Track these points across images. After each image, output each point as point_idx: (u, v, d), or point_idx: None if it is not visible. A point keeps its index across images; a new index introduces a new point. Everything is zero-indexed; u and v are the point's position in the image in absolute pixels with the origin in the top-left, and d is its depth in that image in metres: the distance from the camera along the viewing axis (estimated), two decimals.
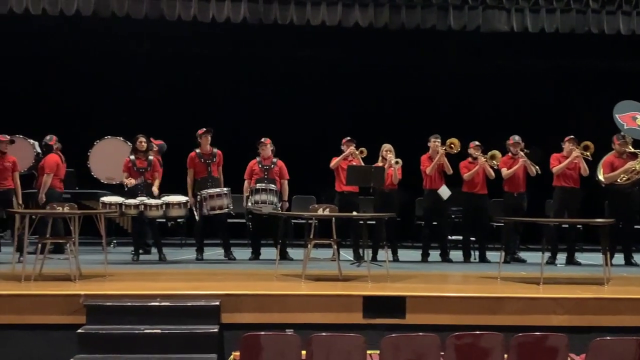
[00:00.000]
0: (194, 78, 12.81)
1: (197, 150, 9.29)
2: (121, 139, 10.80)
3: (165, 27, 11.41)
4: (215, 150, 9.34)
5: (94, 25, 11.30)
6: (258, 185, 9.02)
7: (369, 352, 4.84)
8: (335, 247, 7.78)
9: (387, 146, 9.54)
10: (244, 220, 10.37)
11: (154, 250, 9.54)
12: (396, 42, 12.32)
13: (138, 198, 8.63)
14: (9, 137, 9.03)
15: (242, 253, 9.90)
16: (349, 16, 10.84)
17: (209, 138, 9.28)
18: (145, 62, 12.68)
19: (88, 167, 10.77)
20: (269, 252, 9.58)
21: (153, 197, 8.83)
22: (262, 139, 9.47)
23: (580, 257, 9.76)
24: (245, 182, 9.41)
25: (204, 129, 9.30)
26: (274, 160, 9.45)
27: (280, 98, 12.75)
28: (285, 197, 9.49)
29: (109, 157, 10.58)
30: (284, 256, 9.25)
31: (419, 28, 11.15)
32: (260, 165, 9.38)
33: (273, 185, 9.08)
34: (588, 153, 9.22)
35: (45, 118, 11.63)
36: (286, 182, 9.51)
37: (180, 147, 9.60)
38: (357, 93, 12.76)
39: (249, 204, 9.00)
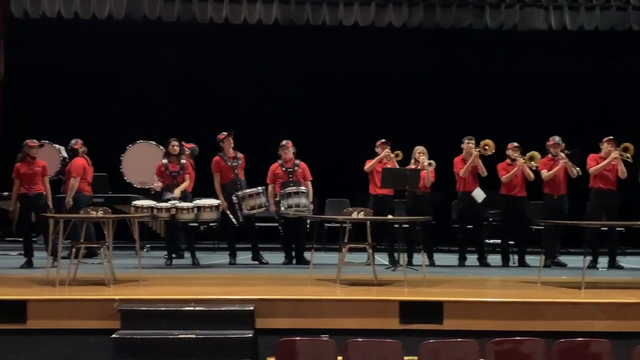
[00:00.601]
0: (224, 81, 12.79)
1: (221, 154, 9.26)
2: (154, 143, 10.82)
3: (196, 30, 11.45)
4: (238, 153, 9.30)
5: (126, 28, 11.37)
6: (288, 190, 8.95)
7: (406, 358, 4.75)
8: (371, 251, 7.67)
9: (419, 148, 9.41)
10: (273, 224, 10.32)
11: (187, 254, 9.53)
12: (431, 42, 12.20)
13: (170, 201, 8.62)
14: (38, 142, 9.08)
15: (274, 257, 9.84)
16: (382, 16, 10.73)
17: (231, 141, 9.25)
18: (176, 65, 12.71)
19: (121, 171, 10.79)
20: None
21: (185, 200, 8.80)
22: (284, 142, 9.41)
23: (622, 260, 9.53)
24: (270, 187, 9.35)
25: (225, 133, 9.26)
26: (296, 162, 9.39)
27: (314, 100, 12.69)
28: (311, 199, 9.41)
29: (141, 161, 10.60)
30: (303, 260, 9.15)
31: (454, 27, 11.02)
32: (283, 169, 9.32)
33: (303, 188, 9.02)
34: (628, 155, 8.99)
35: (78, 122, 11.70)
36: (310, 183, 9.44)
37: (211, 151, 9.57)
38: (389, 94, 12.66)
39: (282, 208, 8.94)
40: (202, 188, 9.52)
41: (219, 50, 12.62)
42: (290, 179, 9.23)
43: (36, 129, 10.33)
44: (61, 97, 12.48)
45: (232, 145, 9.27)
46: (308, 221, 9.23)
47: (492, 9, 10.70)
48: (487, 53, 12.58)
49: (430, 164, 9.23)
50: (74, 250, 7.17)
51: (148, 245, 11.02)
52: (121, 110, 12.51)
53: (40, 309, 5.89)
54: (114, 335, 5.66)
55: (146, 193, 10.21)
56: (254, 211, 8.94)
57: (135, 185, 10.83)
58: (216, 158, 9.27)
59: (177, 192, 8.94)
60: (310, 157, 9.67)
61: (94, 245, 8.37)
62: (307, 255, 9.13)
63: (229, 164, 9.21)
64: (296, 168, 9.34)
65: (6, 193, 10.60)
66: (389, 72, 12.81)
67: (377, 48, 12.51)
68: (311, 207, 9.35)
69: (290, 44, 12.44)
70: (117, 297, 5.94)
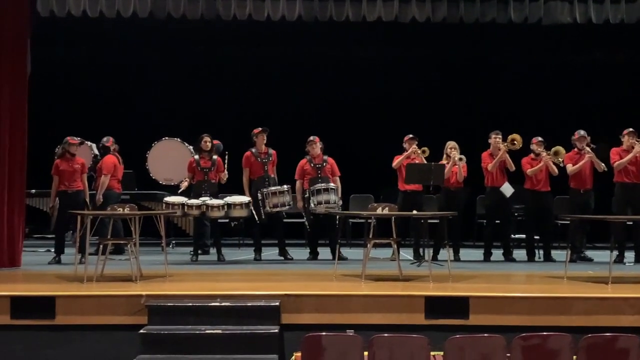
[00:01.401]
0: (249, 78, 12.82)
1: (253, 150, 9.28)
2: (179, 139, 10.88)
3: (219, 27, 11.46)
4: (270, 150, 9.31)
5: (150, 27, 11.42)
6: (318, 186, 8.96)
7: (432, 353, 4.74)
8: (395, 246, 7.67)
9: (451, 143, 9.38)
10: (299, 220, 10.34)
11: (212, 250, 9.58)
12: (455, 36, 12.12)
13: (201, 198, 8.66)
14: (78, 139, 9.17)
15: (299, 253, 9.87)
16: (406, 11, 10.67)
17: (265, 137, 9.26)
18: (201, 62, 12.76)
19: (147, 168, 10.88)
20: (325, 252, 9.51)
21: (217, 197, 8.84)
22: (311, 137, 9.41)
23: None
24: (297, 183, 9.37)
25: (260, 128, 9.29)
26: (325, 158, 9.39)
27: (338, 96, 12.67)
28: (340, 194, 9.40)
29: (167, 158, 10.66)
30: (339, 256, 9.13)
31: (478, 22, 10.93)
32: (311, 165, 9.32)
33: (332, 184, 9.03)
34: None
35: (104, 119, 11.83)
36: (338, 179, 9.44)
37: (236, 147, 9.60)
38: (415, 90, 12.60)
39: (312, 205, 8.95)
40: (228, 185, 9.57)
41: (242, 48, 12.63)
42: (319, 175, 9.23)
43: (62, 126, 10.45)
44: (87, 95, 12.57)
45: (265, 141, 9.28)
46: (337, 217, 9.23)
47: (516, 3, 10.56)
48: (511, 47, 12.46)
49: (461, 159, 9.21)
50: (101, 246, 7.24)
51: (174, 242, 11.09)
52: (147, 107, 12.58)
53: (68, 304, 5.98)
54: (141, 331, 5.73)
55: (172, 190, 10.29)
56: (277, 209, 8.94)
57: (160, 182, 10.90)
58: (247, 153, 9.30)
59: (223, 177, 9.07)
60: (335, 152, 9.67)
61: (121, 242, 8.45)
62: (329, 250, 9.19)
63: (259, 159, 9.23)
64: (325, 164, 9.34)
65: (33, 190, 10.76)
66: (415, 68, 12.75)
67: (402, 43, 12.45)
68: (340, 203, 9.36)
69: (314, 41, 12.41)
70: (144, 293, 6.01)
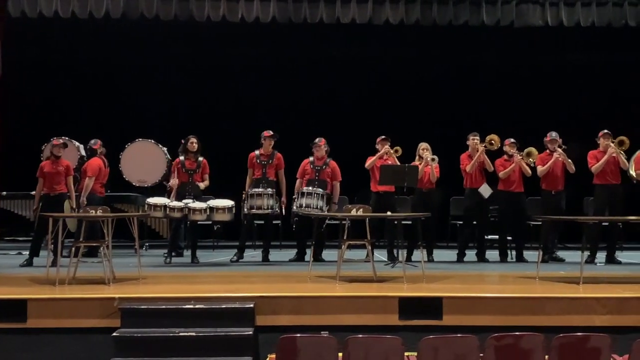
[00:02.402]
0: (227, 80, 12.78)
1: (257, 152, 9.26)
2: (152, 141, 10.82)
3: (195, 29, 11.45)
4: (275, 152, 9.29)
5: (123, 27, 11.37)
6: (305, 189, 8.96)
7: (406, 353, 4.76)
8: (370, 247, 7.69)
9: (423, 144, 9.42)
10: (275, 222, 10.33)
11: (186, 252, 9.54)
12: (428, 38, 12.21)
13: (184, 200, 8.61)
14: (62, 140, 9.07)
15: (277, 255, 9.85)
16: (379, 13, 10.74)
17: (272, 142, 9.23)
18: (175, 64, 12.70)
19: (120, 170, 10.80)
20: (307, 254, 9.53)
21: (200, 199, 8.79)
22: (317, 140, 9.39)
23: (620, 255, 9.56)
24: (297, 182, 9.37)
25: (271, 133, 9.23)
26: (327, 161, 9.36)
27: (313, 97, 12.68)
28: (336, 199, 9.38)
29: (140, 159, 10.59)
30: (316, 258, 9.16)
31: (451, 24, 11.03)
32: (312, 166, 9.31)
33: (321, 190, 8.97)
34: (624, 148, 8.99)
35: (77, 120, 11.74)
36: (338, 184, 9.40)
37: (223, 150, 9.57)
38: (390, 91, 12.65)
39: (294, 207, 8.95)
40: (215, 187, 9.53)
41: (218, 49, 12.62)
42: (317, 177, 9.22)
43: (35, 128, 10.35)
44: (59, 97, 12.48)
45: (272, 145, 9.23)
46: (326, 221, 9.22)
47: (489, 5, 10.72)
48: (484, 49, 12.59)
49: (433, 160, 9.25)
50: (73, 249, 7.17)
51: (147, 244, 11.02)
52: (120, 108, 12.50)
53: (40, 308, 5.90)
54: (114, 334, 5.68)
55: (146, 191, 10.23)
56: (253, 210, 8.92)
57: (134, 184, 10.83)
58: (251, 154, 9.29)
59: (202, 185, 9.02)
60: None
61: (94, 244, 8.37)
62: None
63: (259, 161, 9.20)
64: (325, 167, 9.32)
65: (4, 193, 10.64)
66: (389, 69, 12.82)
67: (376, 45, 12.52)
68: (335, 207, 9.33)
69: (288, 42, 12.45)
70: (117, 296, 5.95)
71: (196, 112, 12.43)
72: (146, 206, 8.52)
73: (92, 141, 9.73)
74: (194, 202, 8.61)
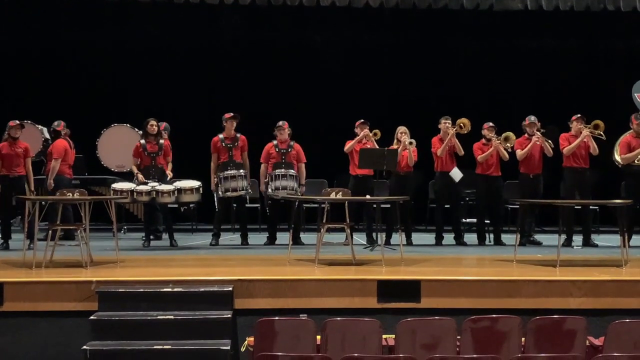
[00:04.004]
0: (204, 62, 12.69)
1: (221, 135, 9.20)
2: (128, 125, 10.73)
3: (172, 12, 11.34)
4: (238, 135, 9.24)
5: (101, 10, 11.23)
6: (277, 172, 8.93)
7: (384, 336, 4.79)
8: (349, 231, 7.70)
9: (401, 128, 9.42)
10: (253, 205, 10.29)
11: (165, 236, 9.49)
12: (408, 22, 12.19)
13: (149, 184, 8.55)
14: (18, 122, 8.97)
15: (256, 238, 9.84)
16: None
17: (234, 124, 9.18)
18: (153, 47, 12.58)
19: (97, 157, 10.71)
20: (283, 237, 9.51)
21: (165, 182, 8.75)
22: (280, 123, 9.35)
23: (596, 238, 9.64)
24: (262, 166, 9.32)
25: (232, 114, 9.17)
26: (291, 143, 9.35)
27: (292, 81, 12.63)
28: (303, 181, 9.39)
29: (117, 144, 10.50)
30: (296, 241, 9.16)
31: (431, 7, 11.01)
32: (277, 149, 9.28)
33: (292, 171, 9.00)
34: (599, 132, 9.07)
35: (55, 103, 11.59)
36: (303, 165, 9.41)
37: (193, 132, 9.52)
38: (369, 75, 12.61)
39: (269, 190, 8.92)
40: (185, 168, 9.46)
41: (195, 31, 12.52)
42: (283, 160, 9.20)
43: (13, 110, 10.21)
44: (37, 79, 12.31)
45: (234, 127, 9.18)
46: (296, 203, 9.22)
47: None
48: (463, 33, 12.59)
49: (411, 143, 9.25)
50: (50, 232, 7.11)
51: (125, 227, 10.96)
52: (99, 91, 12.37)
53: (17, 291, 5.86)
54: (91, 317, 5.66)
55: (123, 175, 10.15)
56: (229, 193, 8.89)
57: (112, 169, 10.75)
58: (215, 138, 9.22)
59: (169, 173, 8.93)
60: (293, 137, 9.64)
61: (71, 227, 8.30)
62: (287, 236, 9.15)
63: (224, 144, 9.15)
64: (290, 149, 9.29)
65: None
66: (368, 52, 12.77)
67: (354, 28, 12.47)
68: (304, 189, 9.32)
69: (268, 25, 12.38)
70: (94, 279, 5.93)
71: (164, 94, 12.29)
72: (112, 192, 8.43)
73: (56, 123, 9.60)
74: (159, 184, 8.56)
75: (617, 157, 9.17)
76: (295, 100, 12.35)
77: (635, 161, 9.02)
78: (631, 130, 9.18)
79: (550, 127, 9.51)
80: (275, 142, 9.32)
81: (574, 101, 11.41)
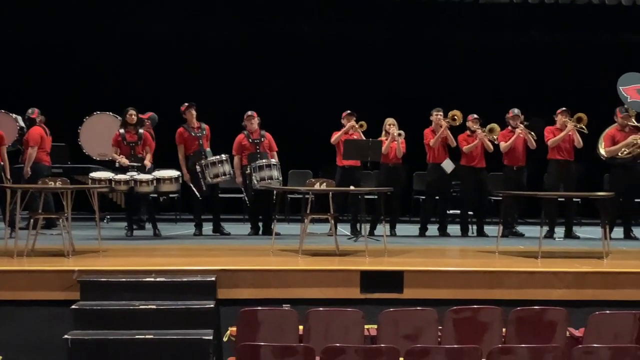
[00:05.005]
0: (190, 52, 12.61)
1: (185, 125, 9.16)
2: (110, 113, 10.66)
3: (153, 3, 11.29)
4: (203, 124, 9.20)
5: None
6: (259, 162, 8.91)
7: (366, 326, 4.80)
8: (332, 221, 7.70)
9: (390, 120, 9.43)
10: (238, 195, 10.27)
11: (148, 225, 9.46)
12: (395, 14, 12.19)
13: (128, 173, 8.50)
14: None
15: (239, 228, 9.82)
16: None
17: (193, 112, 9.14)
18: (134, 37, 12.50)
19: (79, 144, 10.63)
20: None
21: (144, 171, 8.70)
22: (249, 112, 9.30)
23: (578, 230, 9.72)
24: (236, 158, 9.27)
25: (186, 104, 9.16)
26: (262, 133, 9.32)
27: (279, 71, 12.60)
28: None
29: (99, 132, 10.43)
30: (269, 231, 9.10)
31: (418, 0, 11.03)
32: (249, 140, 9.24)
33: (273, 160, 8.99)
34: (582, 125, 9.12)
35: (36, 92, 11.49)
36: (275, 154, 9.40)
37: (172, 121, 9.47)
38: (357, 66, 12.60)
39: (254, 181, 8.88)
40: (166, 158, 9.42)
41: (173, 22, 12.45)
42: (257, 150, 9.17)
43: None
44: (18, 68, 12.20)
45: (195, 115, 9.16)
46: (274, 193, 9.20)
47: None
48: (450, 26, 12.60)
49: (400, 135, 9.27)
50: (32, 221, 7.06)
51: (108, 217, 10.92)
52: (80, 79, 12.28)
53: None
54: (73, 306, 5.62)
55: (106, 164, 10.09)
56: (218, 179, 8.87)
57: (94, 158, 10.69)
58: (180, 129, 9.17)
59: (147, 163, 8.90)
60: (274, 127, 9.62)
61: (53, 216, 8.25)
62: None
63: (193, 134, 9.11)
64: (262, 139, 9.27)
65: None
66: (357, 44, 12.75)
67: (343, 20, 12.46)
68: (280, 178, 9.33)
69: (254, 15, 12.34)
70: (76, 268, 5.89)
71: (149, 83, 12.22)
72: (90, 181, 8.38)
73: (30, 110, 9.52)
74: (138, 174, 8.51)
75: (602, 150, 9.24)
76: (282, 90, 12.32)
77: (619, 154, 9.10)
78: (616, 124, 9.26)
79: (534, 120, 9.55)
80: (246, 132, 9.28)
81: (559, 94, 11.46)
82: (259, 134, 9.28)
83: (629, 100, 9.06)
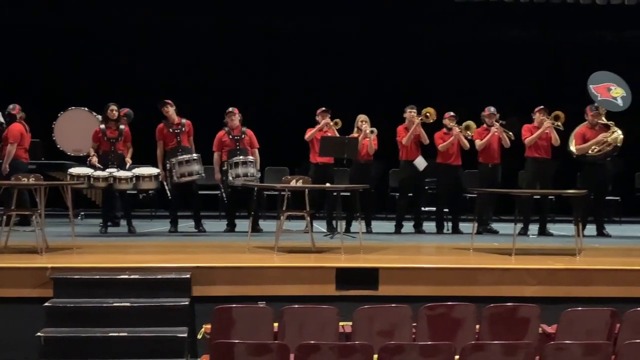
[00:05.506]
0: (162, 46, 12.53)
1: (165, 121, 9.11)
2: (86, 109, 10.56)
3: None
4: (183, 120, 9.16)
5: None
6: (236, 159, 8.88)
7: (341, 323, 4.81)
8: (308, 218, 7.70)
9: (362, 116, 9.45)
10: (216, 192, 10.23)
11: (123, 222, 9.39)
12: (371, 9, 12.20)
13: (108, 170, 8.44)
14: None
15: (215, 225, 9.79)
16: None
17: (168, 109, 9.08)
18: (111, 29, 12.39)
19: (53, 139, 10.53)
20: (242, 225, 9.48)
21: (124, 168, 8.64)
22: (230, 109, 9.27)
23: (552, 228, 9.81)
24: (215, 154, 9.24)
25: (163, 101, 9.11)
26: (243, 129, 9.29)
27: (254, 68, 12.57)
28: (258, 166, 9.35)
29: (74, 128, 10.33)
30: (255, 228, 9.13)
31: None
32: (230, 136, 9.21)
33: (251, 157, 8.96)
34: (559, 123, 9.21)
35: (10, 86, 11.35)
36: (257, 151, 9.37)
37: (151, 117, 9.41)
38: (331, 63, 12.60)
39: (230, 177, 8.85)
40: (143, 155, 9.37)
41: (151, 13, 12.36)
42: (238, 147, 9.14)
43: None
44: None
45: (171, 112, 9.07)
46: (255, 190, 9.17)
47: None
48: (425, 23, 12.64)
49: (372, 132, 9.28)
50: (5, 217, 6.98)
51: (83, 213, 10.82)
52: (56, 74, 12.16)
53: None
54: (46, 304, 5.58)
55: (81, 159, 10.00)
56: (185, 179, 8.79)
57: (69, 154, 10.58)
58: (160, 125, 9.12)
59: (128, 160, 8.84)
60: (249, 124, 9.59)
61: (26, 213, 8.16)
62: (246, 223, 9.12)
63: (171, 130, 9.06)
64: (243, 136, 9.23)
65: None
66: (330, 40, 12.75)
67: (318, 16, 12.44)
68: (259, 175, 9.29)
69: (226, 9, 12.29)
70: (49, 265, 5.85)
71: (127, 80, 12.12)
72: (68, 177, 8.30)
73: (11, 106, 9.42)
74: (118, 171, 8.45)
75: (572, 148, 9.34)
76: (257, 87, 12.29)
77: (589, 152, 9.21)
78: (586, 122, 9.36)
79: (511, 118, 9.62)
80: (226, 129, 9.26)
81: (536, 92, 11.54)
82: (240, 130, 9.25)
83: (599, 99, 9.17)
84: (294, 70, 12.47)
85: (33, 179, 7.41)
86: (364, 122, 9.36)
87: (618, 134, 9.15)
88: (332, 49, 12.68)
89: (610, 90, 9.15)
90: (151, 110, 9.58)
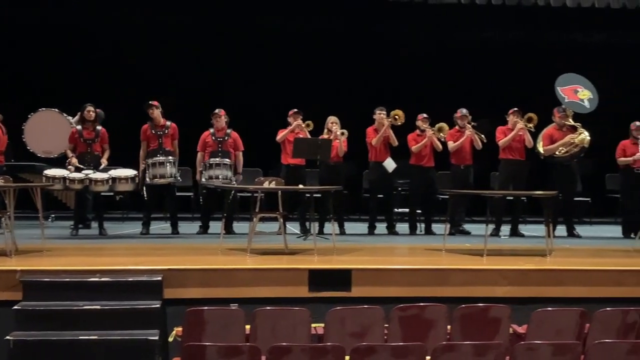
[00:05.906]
0: (142, 47, 12.44)
1: (150, 122, 9.05)
2: (57, 110, 10.44)
3: None
4: (168, 122, 9.10)
5: None
6: (212, 160, 8.84)
7: (314, 325, 4.81)
8: (282, 220, 7.69)
9: (332, 118, 9.48)
10: (189, 194, 10.18)
11: (94, 224, 9.30)
12: (345, 11, 12.22)
13: (84, 171, 8.36)
14: None
15: (188, 227, 9.74)
16: None
17: (154, 110, 9.03)
18: (87, 29, 12.29)
19: (23, 141, 10.40)
20: (216, 226, 9.44)
21: (100, 169, 8.56)
22: (216, 110, 9.25)
23: (524, 229, 9.88)
24: (199, 155, 9.22)
25: (148, 103, 9.05)
26: (228, 131, 9.26)
27: (226, 69, 12.52)
28: (240, 169, 9.31)
29: (45, 130, 10.20)
30: (229, 230, 9.09)
31: None
32: (213, 138, 9.18)
33: (227, 160, 8.91)
34: (532, 125, 9.30)
35: (11, 86, 11.24)
36: (241, 153, 9.32)
37: (130, 119, 9.35)
38: (303, 64, 12.60)
39: (203, 179, 8.82)
40: (122, 157, 9.28)
41: (129, 13, 12.29)
42: (220, 149, 9.10)
43: None
44: None
45: (155, 114, 9.00)
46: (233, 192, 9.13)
47: None
48: (401, 25, 12.68)
49: (342, 134, 9.30)
50: None
51: (53, 215, 10.70)
52: (27, 73, 12.02)
53: None
54: (15, 307, 5.52)
55: (51, 161, 9.89)
56: (157, 180, 8.72)
57: (38, 155, 10.46)
58: (144, 126, 9.07)
59: (104, 161, 8.75)
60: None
61: None
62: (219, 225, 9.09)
63: (154, 132, 9.00)
64: (227, 138, 9.20)
65: None
66: (302, 40, 12.75)
67: (295, 17, 12.44)
68: (241, 178, 9.24)
69: (200, 9, 12.25)
70: (19, 268, 5.78)
71: (100, 80, 12.02)
72: (44, 178, 8.21)
73: None
74: (94, 172, 8.38)
75: (540, 149, 9.45)
76: (230, 87, 12.25)
77: (557, 153, 9.32)
78: (554, 123, 9.47)
79: (482, 120, 9.69)
80: (212, 130, 9.23)
81: (509, 94, 11.62)
82: (224, 132, 9.21)
83: (566, 101, 9.28)
84: (265, 72, 12.44)
85: (2, 180, 7.31)
86: (334, 124, 9.38)
87: (585, 136, 9.29)
88: (307, 50, 12.68)
89: (577, 93, 9.26)
90: (130, 111, 9.56)
